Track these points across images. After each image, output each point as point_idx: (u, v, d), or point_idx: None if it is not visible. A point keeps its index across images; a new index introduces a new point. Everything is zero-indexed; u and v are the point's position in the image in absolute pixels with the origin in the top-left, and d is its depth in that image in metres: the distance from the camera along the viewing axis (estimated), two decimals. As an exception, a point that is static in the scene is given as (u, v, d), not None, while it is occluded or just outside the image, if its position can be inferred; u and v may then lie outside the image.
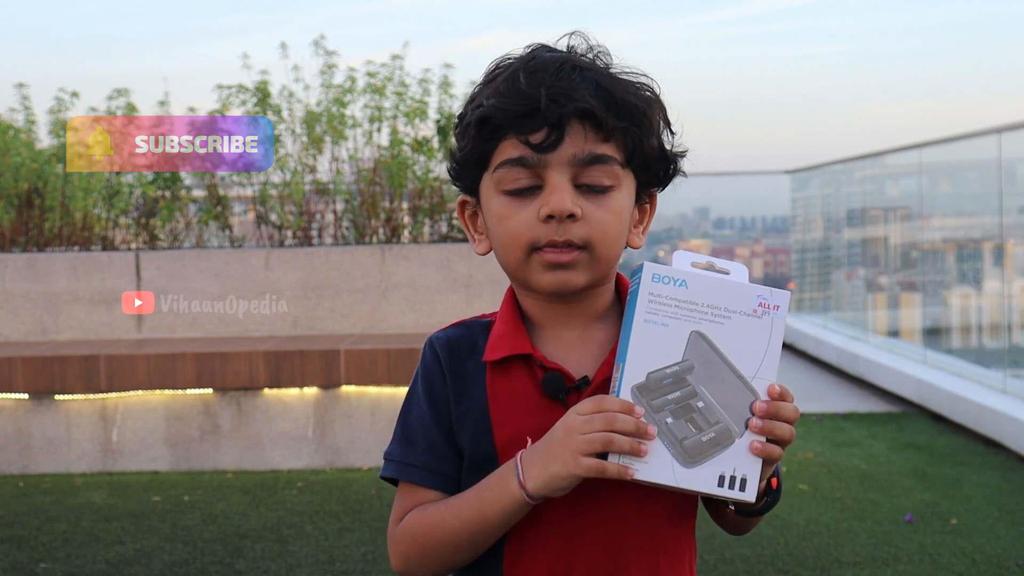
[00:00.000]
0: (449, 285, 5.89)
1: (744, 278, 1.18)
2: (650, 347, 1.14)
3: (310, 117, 6.52)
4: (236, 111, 6.61)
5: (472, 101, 1.25)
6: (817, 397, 7.40)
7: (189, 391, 5.44)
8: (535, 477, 1.14)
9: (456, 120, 1.27)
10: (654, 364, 1.14)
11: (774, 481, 1.23)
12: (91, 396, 5.45)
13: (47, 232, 6.42)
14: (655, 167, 1.25)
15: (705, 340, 1.15)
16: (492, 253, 1.29)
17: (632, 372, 1.14)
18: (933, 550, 4.08)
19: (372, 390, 5.46)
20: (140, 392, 5.43)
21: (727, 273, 1.18)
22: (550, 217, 1.19)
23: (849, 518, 4.49)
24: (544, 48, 1.24)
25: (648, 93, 1.23)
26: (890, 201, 9.53)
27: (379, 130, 6.54)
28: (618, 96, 1.20)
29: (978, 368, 6.88)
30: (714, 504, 1.28)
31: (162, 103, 6.74)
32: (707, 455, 1.13)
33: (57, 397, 5.47)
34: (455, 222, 6.38)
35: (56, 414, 5.48)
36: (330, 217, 6.63)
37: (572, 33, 1.26)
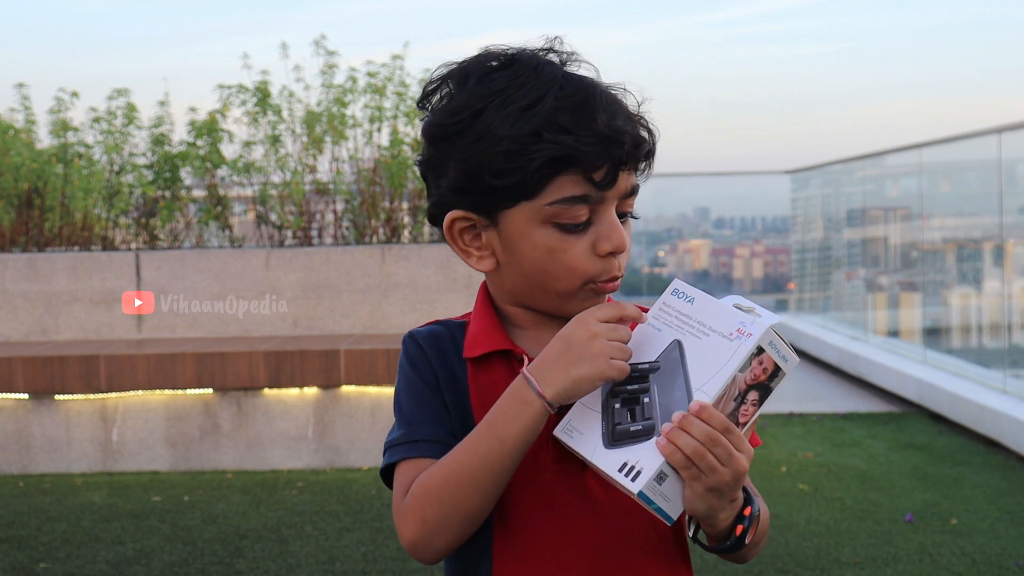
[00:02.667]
0: (449, 285, 5.89)
1: (766, 320, 1.20)
2: (640, 345, 1.22)
3: (310, 117, 6.51)
4: (236, 111, 6.61)
5: (462, 111, 1.21)
6: (817, 397, 7.40)
7: (189, 391, 5.44)
8: (556, 383, 1.16)
9: (439, 130, 1.24)
10: (635, 359, 1.22)
11: (739, 528, 1.23)
12: (91, 396, 5.45)
13: (47, 232, 6.41)
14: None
15: (679, 349, 1.21)
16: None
17: None
18: (933, 550, 4.08)
19: (372, 390, 5.46)
20: (140, 392, 5.43)
21: (759, 316, 1.22)
22: (611, 253, 1.24)
23: (849, 518, 4.49)
24: (551, 64, 1.23)
25: (647, 120, 1.27)
26: (890, 201, 9.52)
27: (379, 130, 6.54)
28: (641, 138, 1.24)
29: (978, 368, 6.87)
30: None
31: (162, 103, 6.75)
32: (626, 442, 1.18)
33: (57, 397, 5.46)
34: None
35: (56, 414, 5.48)
36: (330, 217, 6.63)
37: (554, 39, 1.26)
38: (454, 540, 1.20)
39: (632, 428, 1.18)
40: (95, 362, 5.37)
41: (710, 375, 1.17)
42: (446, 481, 1.18)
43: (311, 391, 5.46)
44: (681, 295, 1.24)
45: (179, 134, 6.86)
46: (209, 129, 6.53)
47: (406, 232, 6.53)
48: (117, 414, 5.48)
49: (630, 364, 1.19)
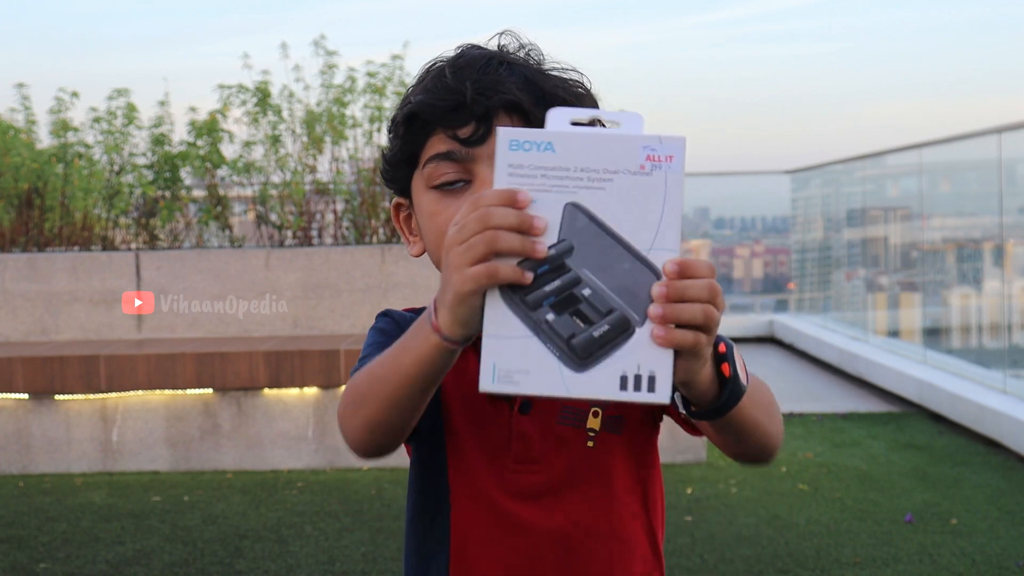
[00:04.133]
0: (449, 285, 5.89)
1: (636, 128, 0.95)
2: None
3: (310, 117, 6.52)
4: (236, 111, 6.62)
5: (403, 102, 1.26)
6: (817, 397, 7.39)
7: (189, 391, 5.44)
8: (443, 316, 0.98)
9: (389, 123, 1.28)
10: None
11: (725, 368, 1.04)
12: (91, 396, 5.45)
13: (47, 232, 6.41)
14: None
15: (583, 212, 0.93)
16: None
17: None
18: (933, 550, 4.07)
19: (372, 390, 5.45)
20: (140, 392, 5.43)
21: (617, 125, 0.97)
22: None
23: (849, 518, 4.49)
24: (473, 47, 1.25)
25: (580, 89, 1.23)
26: (890, 201, 9.52)
27: (379, 130, 6.54)
28: (547, 89, 1.20)
29: (978, 368, 6.87)
30: (681, 419, 1.17)
31: (162, 103, 6.75)
32: (602, 352, 0.92)
33: (57, 397, 5.46)
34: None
35: (56, 414, 5.48)
36: (330, 217, 6.63)
37: (502, 32, 1.26)
38: (371, 442, 1.13)
39: (596, 333, 0.93)
40: (95, 362, 5.37)
41: (652, 228, 0.93)
42: (359, 384, 1.12)
43: (311, 391, 5.46)
44: (527, 145, 0.94)
45: (179, 134, 6.87)
46: (209, 129, 6.54)
47: (406, 232, 6.53)
48: (117, 414, 5.48)
49: (528, 260, 0.93)
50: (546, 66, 1.24)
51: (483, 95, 1.17)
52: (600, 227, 0.93)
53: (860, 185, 10.00)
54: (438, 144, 1.20)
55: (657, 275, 0.93)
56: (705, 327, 0.94)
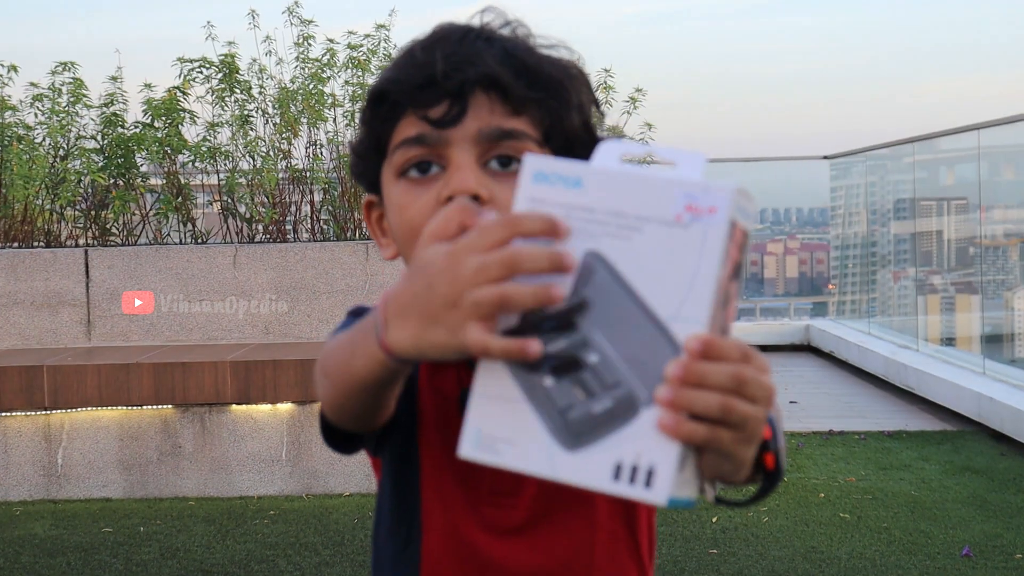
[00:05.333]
0: (442, 286, 5.90)
1: (693, 172, 0.93)
2: (528, 276, 0.90)
3: (284, 95, 6.52)
4: (199, 88, 6.62)
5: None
6: (860, 413, 7.39)
7: (145, 407, 5.44)
8: (405, 339, 0.94)
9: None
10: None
11: (768, 458, 1.03)
12: (32, 413, 5.45)
13: (-17, 226, 6.42)
14: (578, 148, 1.21)
15: (603, 264, 0.90)
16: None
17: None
18: (994, 588, 4.07)
19: (354, 406, 5.46)
20: (89, 408, 5.43)
21: (671, 166, 0.95)
22: (451, 199, 1.15)
23: (898, 552, 4.49)
24: (452, 24, 1.25)
25: (570, 67, 1.23)
26: (944, 190, 9.52)
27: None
28: (530, 64, 1.19)
29: (1045, 381, 6.88)
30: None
31: (114, 78, 6.75)
32: (600, 433, 0.89)
33: (-5, 414, 5.47)
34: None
35: (-6, 433, 5.48)
36: (307, 209, 6.63)
37: (484, 9, 1.25)
38: (340, 421, 1.14)
39: (597, 409, 0.90)
40: (37, 374, 5.37)
41: (681, 289, 0.89)
42: (325, 357, 1.12)
43: (285, 407, 5.46)
44: (553, 179, 0.93)
45: (133, 114, 6.87)
46: (168, 109, 6.54)
47: (392, 226, 6.54)
48: (63, 433, 5.48)
49: (535, 312, 0.91)
50: (534, 42, 1.23)
51: (457, 69, 1.16)
52: (620, 284, 0.90)
53: (909, 172, 10.01)
54: (407, 128, 1.19)
55: (677, 351, 0.88)
56: (726, 422, 0.89)
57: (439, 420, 1.23)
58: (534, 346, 0.89)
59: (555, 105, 1.19)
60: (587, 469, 0.89)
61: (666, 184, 0.89)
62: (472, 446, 0.92)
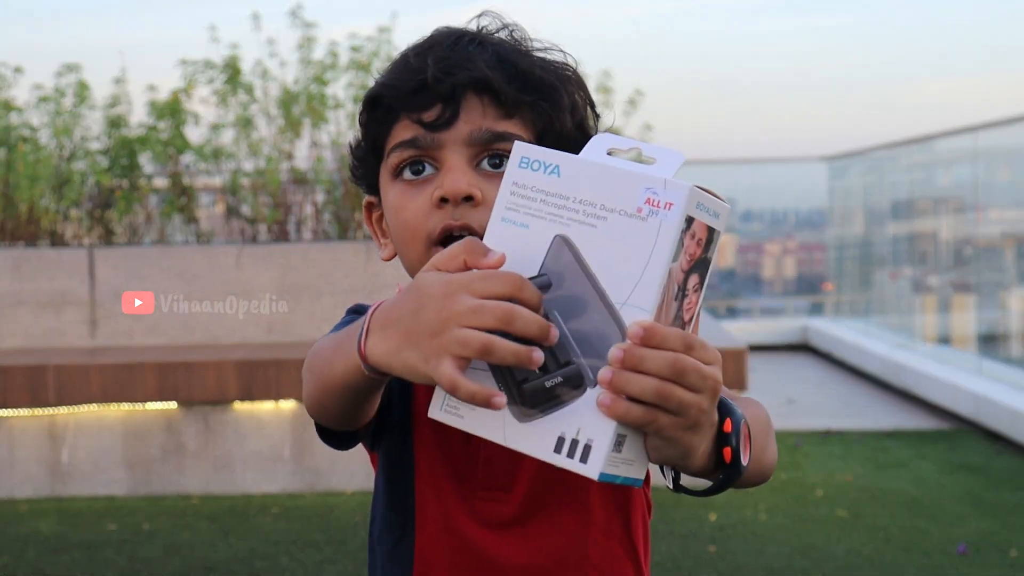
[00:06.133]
0: (443, 286, 5.90)
1: (667, 169, 0.97)
2: (506, 255, 0.97)
3: (287, 97, 6.52)
4: (203, 90, 6.63)
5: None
6: (857, 413, 7.40)
7: (149, 405, 5.45)
8: (381, 352, 1.00)
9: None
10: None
11: (726, 452, 1.05)
12: (38, 411, 5.46)
13: (-11, 226, 6.42)
14: (573, 150, 1.19)
15: (569, 247, 0.96)
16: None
17: None
18: (990, 585, 4.08)
19: (356, 404, 5.46)
20: (94, 406, 5.43)
21: (651, 162, 0.99)
22: (444, 201, 1.19)
23: (894, 549, 4.50)
24: (447, 29, 1.27)
25: (564, 70, 1.25)
26: (941, 191, 9.53)
27: (364, 111, 6.55)
28: (522, 67, 1.21)
29: (1040, 380, 6.88)
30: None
31: (118, 80, 6.75)
32: (548, 406, 0.95)
33: None
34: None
35: (-1, 431, 5.49)
36: (309, 210, 6.64)
37: (481, 14, 1.28)
38: (321, 418, 1.20)
39: (548, 383, 0.95)
40: (42, 373, 5.38)
41: (633, 277, 0.94)
42: (314, 356, 1.17)
43: (288, 405, 5.47)
44: (536, 165, 0.99)
45: (138, 116, 6.90)
46: (172, 110, 6.55)
47: (394, 226, 6.55)
48: (67, 431, 5.48)
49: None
50: (528, 46, 1.26)
51: (447, 74, 1.19)
52: (583, 268, 0.95)
53: (907, 173, 10.02)
54: (402, 131, 1.22)
55: (624, 335, 0.93)
56: (663, 407, 0.93)
57: (432, 420, 1.24)
58: (499, 400, 0.95)
59: (547, 107, 1.22)
60: (533, 440, 0.95)
61: (630, 178, 0.95)
62: (438, 408, 0.99)
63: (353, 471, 5.46)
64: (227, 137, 6.58)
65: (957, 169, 9.10)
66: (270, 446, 5.48)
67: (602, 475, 0.94)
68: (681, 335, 0.93)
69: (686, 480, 1.14)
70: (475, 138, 1.19)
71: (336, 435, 1.25)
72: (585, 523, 1.25)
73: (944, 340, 8.83)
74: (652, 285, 0.93)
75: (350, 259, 5.96)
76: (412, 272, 1.24)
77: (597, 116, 1.29)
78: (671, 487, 1.15)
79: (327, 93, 6.55)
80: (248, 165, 6.56)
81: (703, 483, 1.11)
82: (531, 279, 0.96)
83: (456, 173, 1.18)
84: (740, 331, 9.60)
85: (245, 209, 6.56)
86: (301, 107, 6.53)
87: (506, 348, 0.93)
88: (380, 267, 5.94)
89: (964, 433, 6.67)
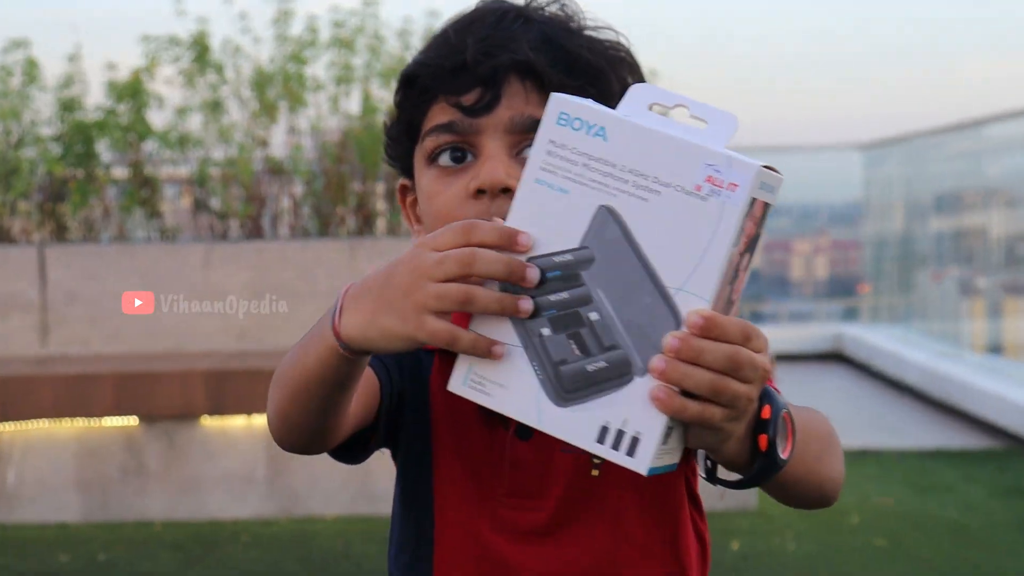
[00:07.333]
0: (435, 288, 5.90)
1: (718, 138, 0.98)
2: (538, 221, 0.98)
3: (261, 78, 6.52)
4: (167, 69, 6.62)
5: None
6: (896, 430, 7.40)
7: (107, 421, 5.44)
8: (355, 324, 1.05)
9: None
10: (538, 247, 0.98)
11: (762, 440, 1.07)
12: (-17, 427, 5.45)
13: (-72, 221, 6.42)
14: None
15: (616, 221, 0.96)
16: None
17: None
18: (1045, 623, 4.08)
19: (338, 420, 5.46)
20: (44, 422, 5.43)
21: (703, 124, 0.99)
22: (480, 192, 1.21)
23: (939, 582, 4.49)
24: (491, 2, 1.28)
25: (615, 52, 1.27)
26: (991, 182, 9.53)
27: (347, 94, 6.55)
28: (570, 48, 1.23)
29: (1101, 393, 6.88)
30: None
31: (72, 58, 6.74)
32: (590, 392, 0.97)
33: (-59, 429, 5.47)
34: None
35: (-61, 450, 5.48)
36: (286, 203, 6.64)
37: None
38: (285, 435, 1.23)
39: (590, 367, 0.97)
40: (-11, 385, 5.37)
41: (690, 261, 0.94)
42: (282, 364, 1.23)
43: (261, 420, 5.46)
44: (577, 124, 0.98)
45: (94, 97, 6.86)
46: (132, 92, 6.54)
47: (381, 221, 6.54)
48: (14, 450, 5.47)
49: (540, 257, 0.97)
50: (581, 23, 1.27)
51: (488, 55, 1.20)
52: (631, 245, 0.96)
53: (952, 163, 10.02)
54: (439, 114, 1.24)
55: (678, 322, 0.95)
56: (716, 400, 0.97)
57: (452, 421, 1.28)
58: (499, 348, 0.99)
59: (594, 93, 1.22)
60: (573, 426, 0.97)
61: (690, 150, 0.95)
62: (461, 382, 1.01)
63: (333, 493, 5.45)
64: (194, 122, 6.57)
65: (1009, 158, 9.10)
66: (241, 466, 5.47)
67: (650, 469, 0.96)
68: (740, 325, 0.96)
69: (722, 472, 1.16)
70: (516, 125, 1.21)
71: (350, 448, 1.28)
72: (616, 539, 1.27)
73: (994, 349, 8.83)
74: (712, 272, 0.94)
75: (332, 258, 5.96)
76: None
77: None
78: (704, 476, 1.16)
79: (306, 73, 6.54)
80: (218, 153, 6.55)
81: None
82: (571, 251, 0.97)
83: (494, 162, 1.21)
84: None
85: (214, 202, 6.56)
86: (277, 89, 6.52)
87: (488, 296, 0.98)
88: (365, 266, 5.94)
89: (1016, 453, 6.67)
